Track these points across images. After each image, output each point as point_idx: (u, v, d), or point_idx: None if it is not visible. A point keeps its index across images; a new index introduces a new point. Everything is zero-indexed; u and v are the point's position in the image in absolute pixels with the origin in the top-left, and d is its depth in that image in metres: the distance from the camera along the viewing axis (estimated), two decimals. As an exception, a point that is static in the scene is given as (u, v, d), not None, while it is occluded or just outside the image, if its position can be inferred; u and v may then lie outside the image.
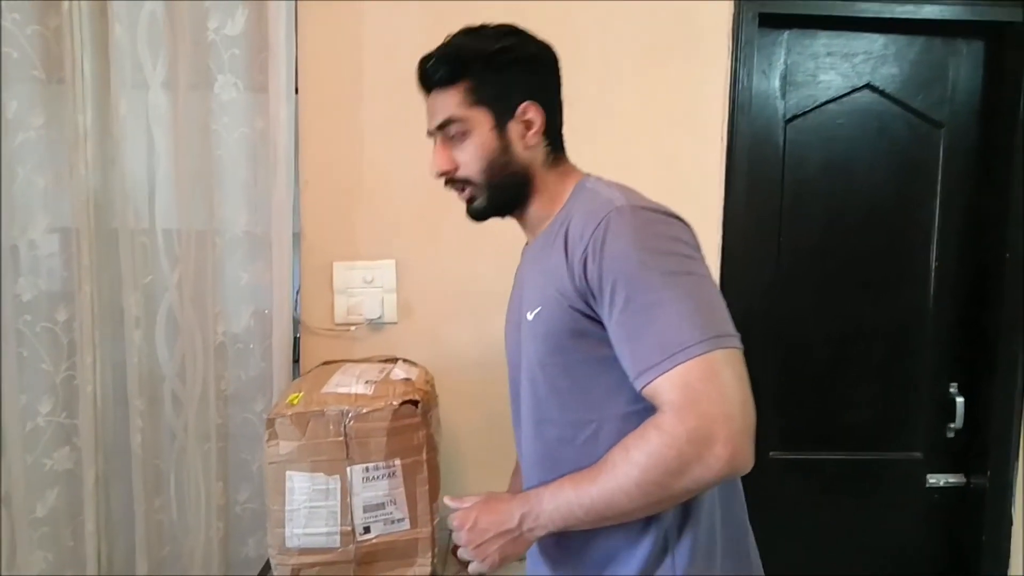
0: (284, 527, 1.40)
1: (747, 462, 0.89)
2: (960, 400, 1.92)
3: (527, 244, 1.21)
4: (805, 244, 1.90)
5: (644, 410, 0.95)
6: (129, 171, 1.68)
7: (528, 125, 1.08)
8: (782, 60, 1.85)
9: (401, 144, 1.75)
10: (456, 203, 1.76)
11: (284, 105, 1.67)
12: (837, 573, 1.95)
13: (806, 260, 1.91)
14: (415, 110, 1.80)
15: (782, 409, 1.94)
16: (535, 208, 1.12)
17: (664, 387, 0.89)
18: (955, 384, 1.95)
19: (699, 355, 0.88)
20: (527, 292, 1.11)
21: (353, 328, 1.79)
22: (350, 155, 1.77)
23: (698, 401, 0.87)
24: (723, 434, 0.87)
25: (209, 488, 1.77)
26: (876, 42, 1.85)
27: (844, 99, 1.86)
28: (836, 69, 1.86)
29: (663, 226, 0.97)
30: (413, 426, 1.41)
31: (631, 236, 0.93)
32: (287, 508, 1.40)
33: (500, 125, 1.07)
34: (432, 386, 1.58)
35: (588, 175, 1.13)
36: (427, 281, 1.78)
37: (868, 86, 1.86)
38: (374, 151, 1.77)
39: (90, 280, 1.67)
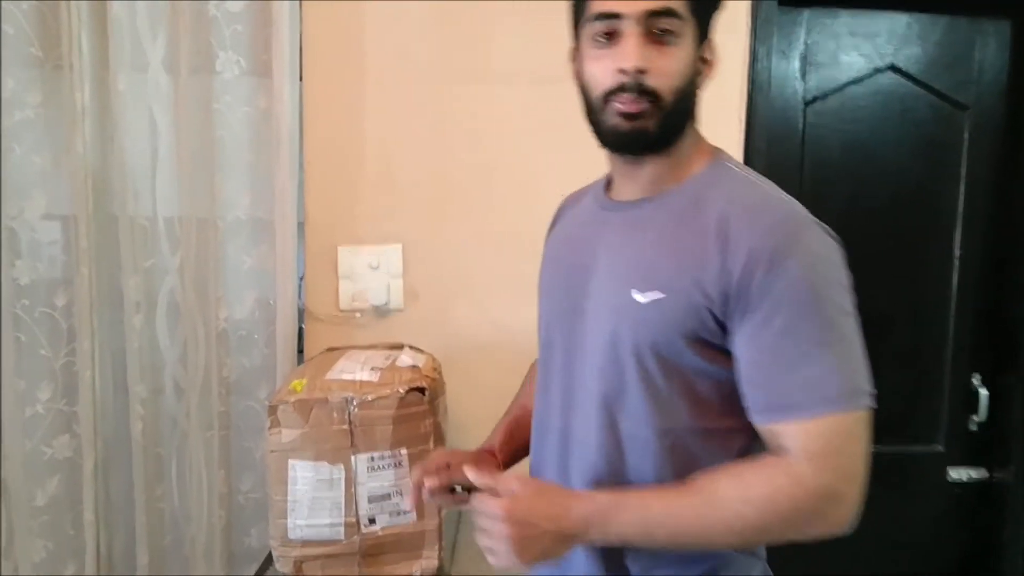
0: (286, 518, 1.39)
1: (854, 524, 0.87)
2: (983, 392, 1.89)
3: (602, 196, 1.07)
4: (824, 230, 1.86)
5: (727, 431, 0.92)
6: (128, 151, 1.65)
7: (709, 64, 0.96)
8: (802, 40, 1.81)
9: (409, 125, 1.73)
10: (465, 186, 1.80)
11: (288, 84, 1.65)
12: (856, 567, 1.92)
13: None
14: (423, 90, 1.83)
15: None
16: (663, 163, 0.96)
17: (799, 432, 0.85)
18: (978, 375, 1.91)
19: (848, 410, 0.84)
20: (635, 267, 0.94)
21: (358, 314, 1.77)
22: (356, 136, 1.74)
23: (838, 457, 0.84)
24: (852, 496, 0.85)
25: (211, 477, 1.75)
26: (899, 21, 1.81)
27: (866, 80, 1.83)
28: (858, 49, 1.82)
29: (838, 255, 0.90)
30: (420, 414, 1.40)
31: (815, 262, 0.86)
32: (289, 498, 1.38)
33: (699, 49, 0.94)
34: (439, 373, 1.56)
35: (719, 150, 1.00)
36: (434, 266, 1.76)
37: (891, 67, 1.83)
38: (381, 132, 1.74)
39: (88, 263, 1.64)
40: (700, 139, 1.00)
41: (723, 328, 0.88)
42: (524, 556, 0.87)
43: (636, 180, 0.98)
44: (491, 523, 0.88)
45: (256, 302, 1.75)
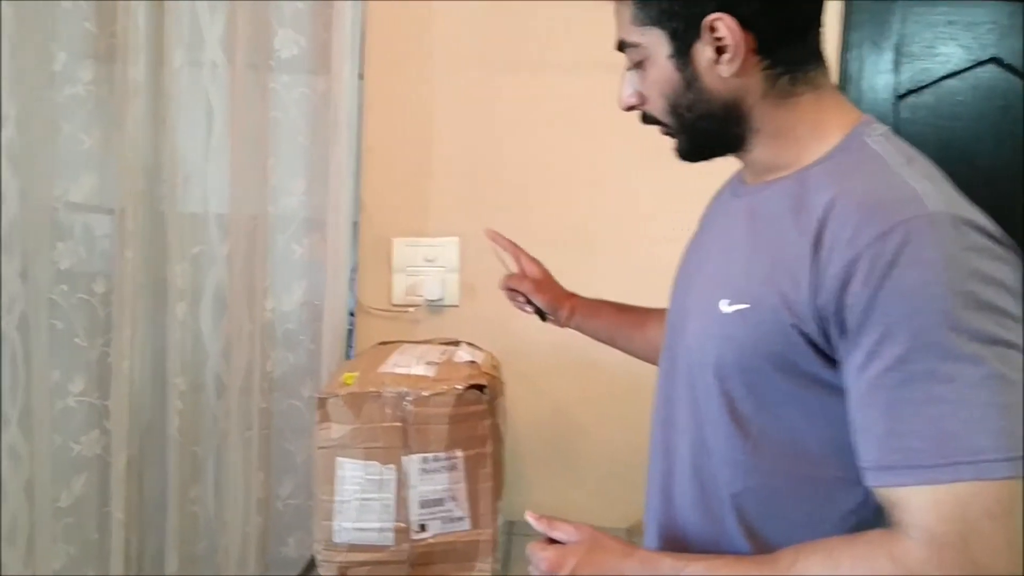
0: (332, 519, 1.35)
1: None
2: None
3: (740, 179, 0.94)
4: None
5: (833, 483, 0.77)
6: (181, 132, 1.65)
7: (720, 47, 0.79)
8: (895, 30, 1.75)
9: (469, 115, 1.71)
10: (525, 179, 1.76)
11: (348, 65, 1.62)
12: None
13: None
14: (484, 79, 1.82)
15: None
16: (760, 153, 0.85)
17: (922, 504, 0.66)
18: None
19: (993, 476, 0.64)
20: (731, 267, 0.84)
21: (412, 310, 1.74)
22: (415, 125, 1.72)
23: (973, 544, 0.64)
24: None
25: (249, 480, 1.72)
26: (1002, 10, 1.74)
27: (965, 74, 1.75)
28: (957, 40, 1.75)
29: (991, 262, 0.69)
30: (478, 414, 1.36)
31: (942, 269, 0.67)
32: (337, 499, 1.35)
33: (680, 51, 0.81)
34: (499, 372, 1.51)
35: (869, 121, 0.82)
36: (493, 262, 1.70)
37: (993, 60, 1.75)
38: (440, 121, 1.72)
39: (134, 248, 1.63)
40: (822, 110, 0.82)
41: (825, 356, 0.74)
42: None
43: (748, 167, 0.90)
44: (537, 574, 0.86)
45: (305, 294, 1.73)
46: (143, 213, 1.66)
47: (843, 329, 0.71)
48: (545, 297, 1.25)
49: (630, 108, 0.89)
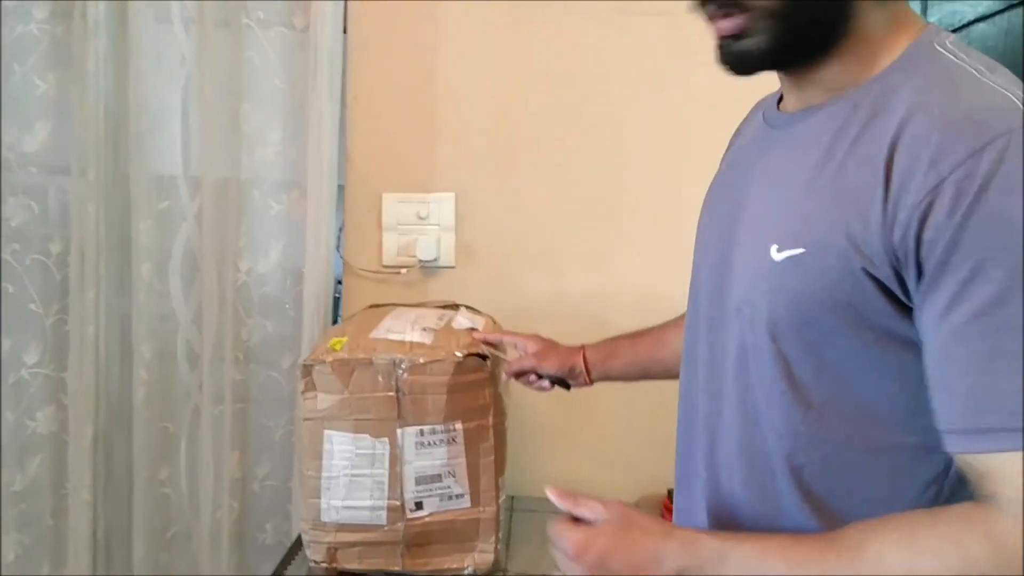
0: (320, 497, 1.29)
1: None
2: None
3: (776, 107, 0.85)
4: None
5: (911, 451, 0.70)
6: (146, 72, 1.56)
7: None
8: (923, -30, 1.72)
9: (472, 57, 1.63)
10: (532, 131, 1.66)
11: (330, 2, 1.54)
12: None
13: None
14: (490, 16, 1.66)
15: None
16: (835, 67, 0.74)
17: (1014, 470, 0.59)
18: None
19: None
20: (780, 207, 0.75)
21: (404, 271, 1.67)
22: (409, 67, 1.65)
23: None
24: None
25: (222, 459, 1.64)
26: (1038, -48, 1.70)
27: (996, 18, 1.71)
28: (988, -17, 1.71)
29: None
30: (479, 383, 1.29)
31: None
32: (324, 474, 1.29)
33: None
34: (502, 339, 1.45)
35: (931, 28, 0.73)
36: (492, 221, 1.66)
37: (1025, 3, 1.72)
38: (438, 63, 1.64)
39: (96, 201, 1.55)
40: (898, 19, 0.72)
41: (900, 304, 0.67)
42: None
43: (801, 87, 0.78)
44: (562, 559, 0.77)
45: (283, 255, 1.65)
46: (104, 165, 1.58)
47: (922, 270, 0.63)
48: (552, 363, 1.26)
49: None
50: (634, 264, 1.64)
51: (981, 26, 1.71)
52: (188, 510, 1.67)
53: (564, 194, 1.64)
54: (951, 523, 0.64)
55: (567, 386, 1.27)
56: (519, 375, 1.30)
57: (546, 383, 1.28)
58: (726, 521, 0.82)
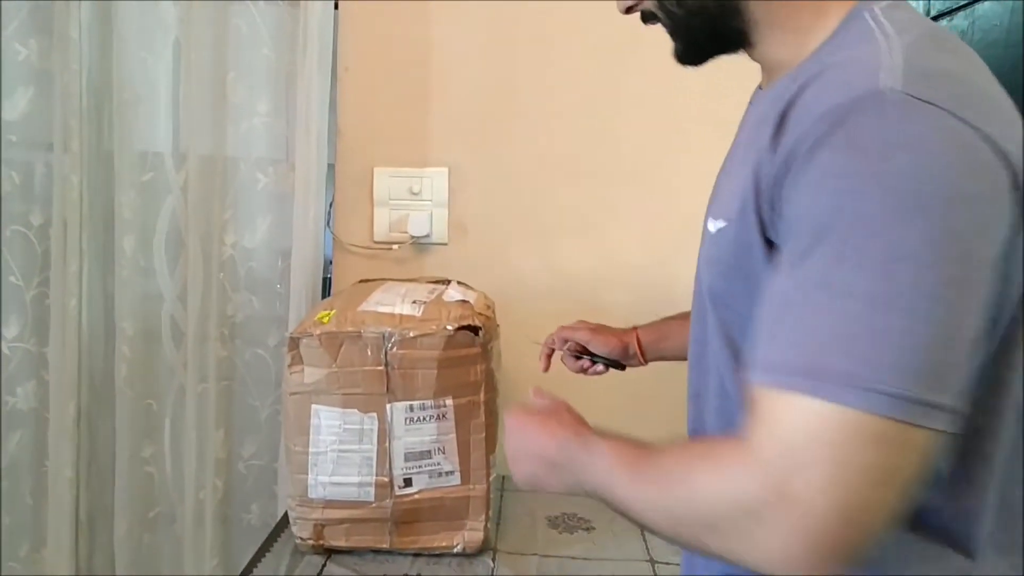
0: (307, 472, 1.28)
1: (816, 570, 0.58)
2: None
3: (760, 85, 0.89)
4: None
5: None
6: (130, 39, 1.55)
7: None
8: (927, -54, 1.71)
9: (466, 28, 1.62)
10: (527, 105, 1.65)
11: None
12: None
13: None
14: None
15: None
16: (765, 49, 0.78)
17: (767, 411, 0.60)
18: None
19: (853, 406, 0.56)
20: (722, 186, 0.82)
21: (395, 247, 1.67)
22: (401, 37, 1.63)
23: (795, 469, 0.57)
24: (799, 529, 0.57)
25: (206, 437, 1.63)
26: (1045, -72, 1.70)
27: (1002, -4, 1.71)
28: (995, -41, 1.71)
29: (947, 153, 0.58)
30: (471, 358, 1.28)
31: (874, 159, 0.58)
32: (312, 450, 1.28)
33: None
34: (493, 313, 1.44)
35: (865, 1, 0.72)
36: (486, 196, 1.65)
37: (1035, -19, 1.71)
38: (431, 33, 1.63)
39: (79, 172, 1.53)
40: None
41: None
42: (516, 474, 0.88)
43: (763, 68, 0.83)
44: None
45: (272, 229, 1.65)
46: (88, 135, 1.57)
47: (777, 222, 0.66)
48: (607, 344, 1.26)
49: (628, 10, 0.83)
50: (628, 241, 1.63)
51: (987, 4, 1.70)
52: (172, 489, 1.67)
53: (560, 170, 1.63)
54: (715, 445, 0.69)
55: (622, 367, 1.27)
56: (576, 364, 1.29)
57: (600, 367, 1.27)
58: None
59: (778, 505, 0.57)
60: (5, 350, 1.60)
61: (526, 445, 0.87)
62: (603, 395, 1.61)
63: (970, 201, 0.57)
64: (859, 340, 0.57)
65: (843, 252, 0.58)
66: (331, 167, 1.65)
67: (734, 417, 0.76)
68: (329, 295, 1.70)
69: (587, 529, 1.45)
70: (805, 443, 0.57)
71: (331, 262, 1.71)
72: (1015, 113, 0.65)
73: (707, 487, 0.63)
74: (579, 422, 0.86)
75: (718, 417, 0.82)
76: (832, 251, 0.58)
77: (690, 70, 0.83)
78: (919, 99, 0.58)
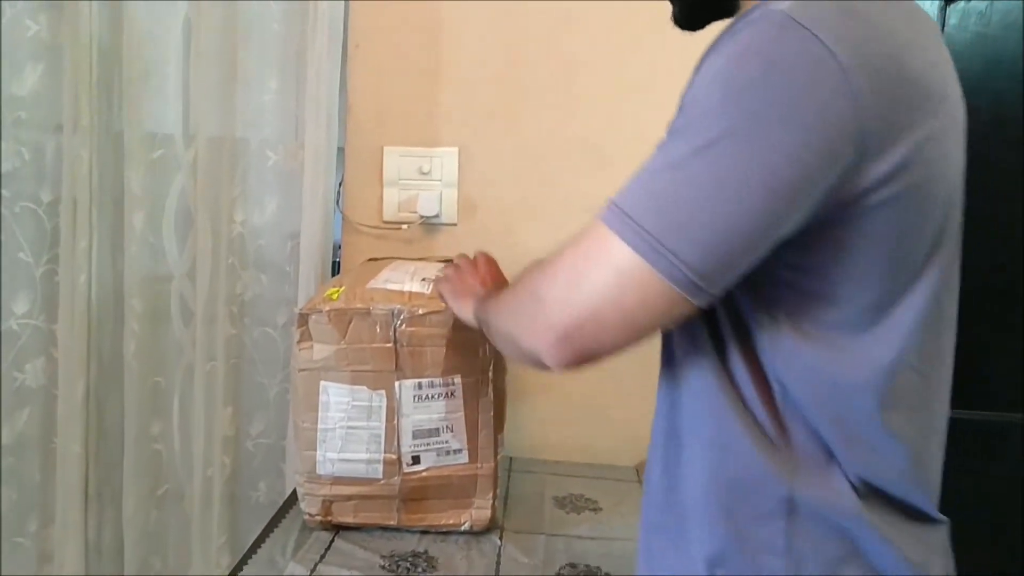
0: (316, 449, 1.29)
1: (556, 361, 0.75)
2: None
3: None
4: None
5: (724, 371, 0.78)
6: (141, 14, 1.55)
7: None
8: (945, -74, 1.70)
9: (477, 5, 1.62)
10: (538, 85, 1.65)
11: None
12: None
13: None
14: None
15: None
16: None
17: (583, 231, 0.73)
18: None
19: (613, 229, 0.68)
20: None
21: (405, 227, 1.67)
22: (413, 16, 1.63)
23: (552, 270, 0.76)
24: (542, 319, 0.74)
25: (214, 415, 1.65)
26: (1065, -91, 1.69)
27: (1022, -22, 1.71)
28: (1015, -61, 1.70)
29: (797, 73, 0.63)
30: (480, 336, 1.27)
31: (735, 59, 0.65)
32: (320, 426, 1.29)
33: None
34: (503, 292, 1.45)
35: None
36: (496, 176, 1.65)
37: (1053, -37, 1.71)
38: (443, 12, 1.63)
39: (89, 148, 1.54)
40: None
41: None
42: (444, 290, 1.20)
43: None
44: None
45: (281, 207, 1.65)
46: (98, 111, 1.57)
47: None
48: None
49: None
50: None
51: (1004, -13, 1.70)
52: (180, 467, 1.68)
53: (570, 150, 1.63)
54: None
55: None
56: None
57: None
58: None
59: (552, 296, 0.74)
60: (14, 327, 1.60)
61: (447, 290, 1.18)
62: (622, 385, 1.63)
63: (801, 124, 0.63)
64: (659, 196, 0.68)
65: (682, 131, 0.68)
66: (340, 148, 1.66)
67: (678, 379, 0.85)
68: (337, 271, 1.72)
69: (594, 509, 1.46)
70: (591, 264, 0.70)
71: (339, 246, 1.71)
72: (908, 58, 0.67)
73: (528, 283, 0.80)
74: (494, 283, 1.13)
75: (665, 379, 0.90)
76: (676, 128, 0.69)
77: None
78: (796, 21, 0.63)
